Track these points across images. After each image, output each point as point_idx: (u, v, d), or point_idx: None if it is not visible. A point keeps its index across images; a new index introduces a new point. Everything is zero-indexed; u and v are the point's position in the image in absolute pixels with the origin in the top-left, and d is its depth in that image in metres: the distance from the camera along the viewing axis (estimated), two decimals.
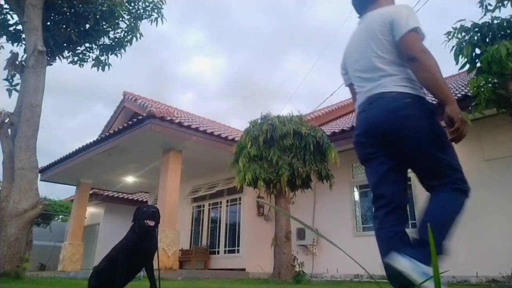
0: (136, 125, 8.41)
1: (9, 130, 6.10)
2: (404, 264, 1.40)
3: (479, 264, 5.82)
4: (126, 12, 7.68)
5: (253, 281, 6.85)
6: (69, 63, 7.81)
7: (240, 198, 10.38)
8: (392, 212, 1.66)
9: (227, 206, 10.89)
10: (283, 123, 6.47)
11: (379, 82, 1.66)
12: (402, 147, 1.62)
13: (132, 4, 7.87)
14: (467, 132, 1.58)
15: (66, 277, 7.89)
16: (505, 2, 5.05)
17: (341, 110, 13.40)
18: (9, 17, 7.22)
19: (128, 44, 7.98)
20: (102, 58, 7.96)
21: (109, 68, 8.02)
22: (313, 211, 8.91)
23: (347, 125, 8.44)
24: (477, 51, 4.98)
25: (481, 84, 4.91)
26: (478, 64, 4.97)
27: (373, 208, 1.77)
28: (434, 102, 1.92)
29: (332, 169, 6.67)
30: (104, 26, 7.54)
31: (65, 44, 7.39)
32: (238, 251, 10.01)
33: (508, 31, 4.86)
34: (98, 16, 7.08)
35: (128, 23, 7.86)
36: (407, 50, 1.61)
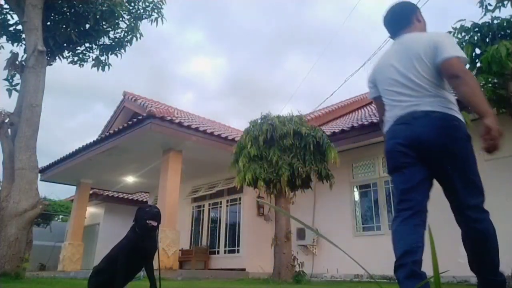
0: (136, 125, 8.41)
1: (9, 130, 6.10)
2: None
3: None
4: (126, 12, 7.68)
5: (253, 281, 6.85)
6: (69, 63, 7.82)
7: (240, 198, 10.38)
8: (416, 214, 1.77)
9: (227, 206, 10.89)
10: (283, 123, 6.47)
11: (424, 100, 1.80)
12: (447, 163, 1.75)
13: (132, 4, 7.87)
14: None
15: (66, 277, 7.89)
16: (505, 2, 5.05)
17: (341, 110, 13.39)
18: (9, 17, 7.23)
19: (128, 44, 7.98)
20: (102, 58, 7.96)
21: (109, 68, 8.02)
22: (313, 211, 8.91)
23: (347, 125, 8.43)
24: (477, 51, 4.99)
25: (481, 84, 4.92)
26: (478, 64, 4.98)
27: (396, 209, 1.86)
28: None
29: (332, 169, 6.67)
30: (104, 26, 7.54)
31: (65, 44, 7.40)
32: (238, 251, 10.01)
33: (508, 31, 4.87)
34: (98, 16, 7.08)
35: (128, 23, 7.86)
36: (451, 69, 1.76)
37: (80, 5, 7.04)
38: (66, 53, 7.68)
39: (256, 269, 8.55)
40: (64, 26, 7.23)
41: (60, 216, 19.42)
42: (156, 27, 8.05)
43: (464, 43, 4.97)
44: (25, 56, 6.54)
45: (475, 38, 4.95)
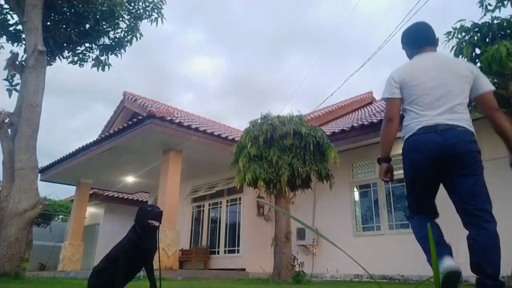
0: (136, 125, 8.41)
1: (9, 130, 6.09)
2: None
3: None
4: (126, 12, 7.67)
5: (253, 281, 6.85)
6: (69, 63, 7.80)
7: (240, 198, 10.38)
8: (431, 214, 2.14)
9: (227, 206, 10.89)
10: (283, 123, 6.47)
11: (459, 116, 2.04)
12: (468, 171, 1.99)
13: (132, 4, 7.86)
14: None
15: (66, 277, 7.89)
16: (505, 2, 5.05)
17: (341, 110, 13.40)
18: (9, 17, 7.20)
19: (128, 44, 7.96)
20: (102, 58, 7.95)
21: (109, 68, 8.01)
22: (313, 211, 8.91)
23: (347, 125, 8.44)
24: (477, 51, 4.98)
25: None
26: (478, 64, 4.97)
27: (411, 210, 2.17)
28: None
29: (332, 169, 6.67)
30: (104, 26, 7.53)
31: (65, 44, 7.38)
32: (238, 251, 10.02)
33: (508, 31, 4.87)
34: (98, 16, 7.07)
35: (128, 23, 7.85)
36: (493, 101, 2.11)
37: (80, 5, 7.03)
38: (66, 53, 7.67)
39: (256, 269, 8.55)
40: (64, 26, 7.22)
41: (60, 216, 19.41)
42: (156, 27, 8.03)
43: (464, 43, 4.97)
44: (25, 56, 6.53)
45: (475, 38, 4.95)
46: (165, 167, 8.85)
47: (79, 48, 7.75)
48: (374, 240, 7.79)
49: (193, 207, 11.90)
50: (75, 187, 12.28)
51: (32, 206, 5.51)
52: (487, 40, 4.93)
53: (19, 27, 7.11)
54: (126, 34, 7.89)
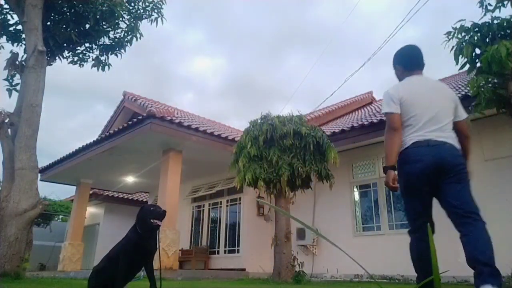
0: (136, 125, 8.41)
1: (9, 130, 6.09)
2: None
3: None
4: (126, 12, 7.67)
5: (253, 281, 6.85)
6: (69, 63, 7.80)
7: (240, 198, 10.38)
8: (430, 223, 2.29)
9: (227, 206, 10.89)
10: (283, 123, 6.47)
11: (448, 134, 2.33)
12: (459, 180, 2.23)
13: (132, 4, 7.86)
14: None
15: (66, 277, 7.89)
16: (505, 2, 5.05)
17: (341, 110, 13.40)
18: (9, 17, 7.20)
19: (128, 44, 7.96)
20: (102, 58, 7.94)
21: (109, 68, 8.00)
22: (313, 211, 8.91)
23: (347, 125, 8.43)
24: (477, 51, 4.98)
25: (481, 84, 4.91)
26: (478, 64, 4.97)
27: (411, 223, 2.37)
28: None
29: (332, 169, 6.67)
30: (104, 26, 7.53)
31: (65, 44, 7.38)
32: (238, 251, 10.02)
33: (508, 31, 4.86)
34: (98, 16, 7.07)
35: (128, 23, 7.84)
36: (466, 130, 2.46)
37: (80, 5, 7.02)
38: (66, 53, 7.66)
39: (256, 269, 8.55)
40: (64, 26, 7.22)
41: (60, 216, 19.41)
42: (156, 27, 8.02)
43: (464, 43, 4.96)
44: (25, 56, 6.53)
45: (475, 38, 4.95)
46: (165, 167, 8.85)
47: (79, 48, 7.75)
48: (374, 240, 7.79)
49: (193, 207, 11.90)
50: (75, 187, 12.28)
51: (32, 206, 5.51)
52: (487, 40, 4.92)
53: (19, 27, 7.11)
54: (126, 34, 7.89)
